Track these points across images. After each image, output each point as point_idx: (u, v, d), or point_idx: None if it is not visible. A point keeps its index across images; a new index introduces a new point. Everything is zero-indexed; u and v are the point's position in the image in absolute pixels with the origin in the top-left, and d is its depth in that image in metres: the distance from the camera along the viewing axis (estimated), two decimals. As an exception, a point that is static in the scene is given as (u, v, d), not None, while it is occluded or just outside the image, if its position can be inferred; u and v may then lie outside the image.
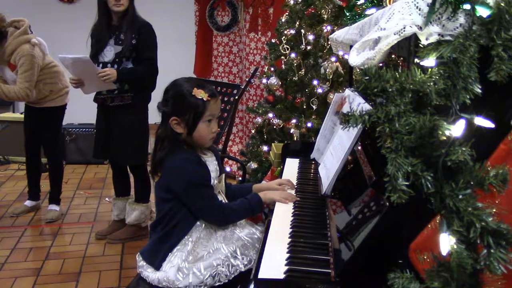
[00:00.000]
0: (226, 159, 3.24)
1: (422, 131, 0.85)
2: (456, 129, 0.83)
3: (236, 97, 2.77)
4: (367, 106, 1.25)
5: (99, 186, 4.37)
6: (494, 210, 0.79)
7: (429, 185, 0.83)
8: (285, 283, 1.11)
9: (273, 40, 3.40)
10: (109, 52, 2.87)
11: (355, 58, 1.12)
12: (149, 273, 1.52)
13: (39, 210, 3.67)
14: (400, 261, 1.01)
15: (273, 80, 3.21)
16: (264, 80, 3.33)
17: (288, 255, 1.21)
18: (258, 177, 3.24)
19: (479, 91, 0.87)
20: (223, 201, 1.63)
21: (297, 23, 3.13)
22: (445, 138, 0.82)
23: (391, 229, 1.06)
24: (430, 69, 0.92)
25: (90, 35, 2.96)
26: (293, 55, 3.12)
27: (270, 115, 3.25)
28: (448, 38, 0.97)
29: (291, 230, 1.37)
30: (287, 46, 3.15)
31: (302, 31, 3.09)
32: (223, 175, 1.69)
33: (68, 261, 2.85)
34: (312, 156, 1.85)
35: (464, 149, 0.81)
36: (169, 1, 6.45)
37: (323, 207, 1.52)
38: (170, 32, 6.04)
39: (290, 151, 2.23)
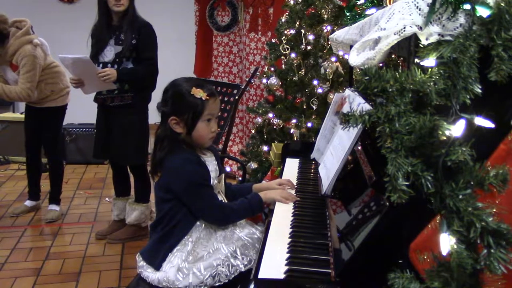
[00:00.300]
0: (226, 159, 3.24)
1: (422, 131, 0.85)
2: (456, 129, 0.83)
3: (236, 97, 2.77)
4: (367, 106, 1.25)
5: (99, 186, 4.37)
6: (494, 210, 0.79)
7: (429, 185, 0.83)
8: (285, 283, 1.11)
9: (273, 40, 3.40)
10: (109, 52, 2.87)
11: (355, 58, 1.12)
12: (149, 273, 1.52)
13: (39, 210, 3.67)
14: (400, 261, 1.00)
15: (273, 80, 3.21)
16: (264, 80, 3.33)
17: (288, 255, 1.21)
18: (258, 177, 3.24)
19: (479, 91, 0.87)
20: (223, 201, 1.63)
21: (297, 23, 3.13)
22: (445, 138, 0.82)
23: (391, 229, 1.06)
24: (430, 69, 0.92)
25: (90, 35, 2.96)
26: (293, 55, 3.12)
27: (270, 115, 3.25)
28: (448, 38, 0.97)
29: (291, 230, 1.37)
30: (287, 46, 3.15)
31: (302, 31, 3.09)
32: (223, 175, 1.69)
33: (68, 261, 2.85)
34: (312, 156, 1.85)
35: (464, 149, 0.81)
36: (169, 1, 6.45)
37: (323, 207, 1.52)
38: (170, 32, 6.03)
39: (290, 151, 2.22)
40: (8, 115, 5.19)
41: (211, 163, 1.60)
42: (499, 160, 0.93)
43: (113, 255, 2.95)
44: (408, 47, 1.06)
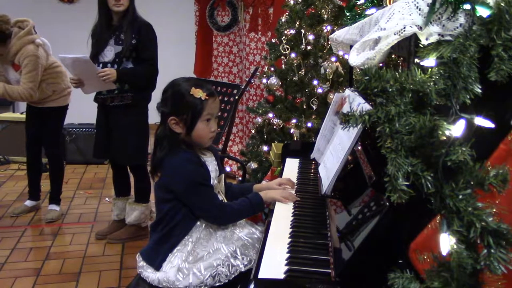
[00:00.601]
0: (226, 159, 3.24)
1: (422, 131, 0.85)
2: (456, 129, 0.83)
3: (236, 97, 2.77)
4: (367, 106, 1.25)
5: (99, 186, 4.37)
6: (494, 210, 0.79)
7: (429, 185, 0.83)
8: (285, 283, 1.11)
9: (273, 40, 3.40)
10: (109, 52, 2.87)
11: (355, 58, 1.12)
12: (149, 274, 1.52)
13: (39, 210, 3.67)
14: (400, 261, 1.00)
15: (273, 80, 3.21)
16: (264, 80, 3.33)
17: (288, 255, 1.21)
18: (258, 177, 3.24)
19: (479, 91, 0.87)
20: (223, 201, 1.63)
21: (297, 23, 3.13)
22: (445, 138, 0.82)
23: (391, 229, 1.06)
24: (430, 69, 0.92)
25: (90, 35, 2.96)
26: (293, 55, 3.12)
27: (270, 115, 3.25)
28: (448, 38, 0.97)
29: (291, 230, 1.37)
30: (287, 46, 3.15)
31: (302, 31, 3.09)
32: (223, 175, 1.69)
33: (68, 261, 2.85)
34: (312, 156, 1.85)
35: (464, 149, 0.81)
36: (169, 1, 6.46)
37: (323, 207, 1.52)
38: (170, 32, 6.04)
39: (290, 151, 2.23)
40: (8, 115, 5.19)
41: (211, 163, 1.60)
42: (499, 160, 0.93)
43: (113, 255, 2.95)
44: (408, 47, 1.06)
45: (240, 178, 3.32)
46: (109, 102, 2.93)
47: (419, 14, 0.98)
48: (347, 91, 1.62)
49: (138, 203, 3.13)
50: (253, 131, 3.59)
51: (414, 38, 1.02)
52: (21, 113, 5.13)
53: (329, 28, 2.92)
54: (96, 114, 3.08)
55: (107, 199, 3.97)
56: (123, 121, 2.93)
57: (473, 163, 0.82)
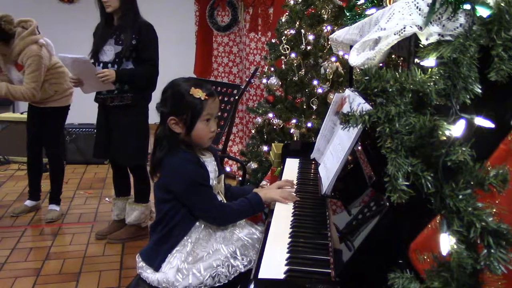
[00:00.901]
0: (226, 159, 3.24)
1: (422, 131, 0.85)
2: (456, 129, 0.83)
3: (236, 97, 2.77)
4: (367, 106, 1.25)
5: (99, 186, 4.37)
6: (494, 210, 0.79)
7: (429, 185, 0.83)
8: (285, 283, 1.11)
9: (273, 40, 3.40)
10: (110, 52, 2.87)
11: (355, 58, 1.12)
12: (149, 274, 1.51)
13: (39, 210, 3.67)
14: (400, 261, 1.00)
15: (273, 80, 3.21)
16: (264, 80, 3.33)
17: (288, 255, 1.21)
18: (258, 177, 3.24)
19: (479, 91, 0.87)
20: (223, 201, 1.63)
21: (297, 23, 3.13)
22: (445, 138, 0.82)
23: (391, 229, 1.06)
24: (430, 69, 0.92)
25: (93, 34, 2.97)
26: (293, 55, 3.12)
27: (270, 115, 3.25)
28: (448, 38, 0.97)
29: (291, 230, 1.37)
30: (287, 46, 3.15)
31: (302, 31, 3.09)
32: (222, 176, 1.68)
33: (68, 261, 2.85)
34: (312, 156, 1.84)
35: (464, 149, 0.81)
36: (169, 1, 6.46)
37: (323, 207, 1.52)
38: (170, 32, 6.03)
39: (290, 151, 2.23)
40: (8, 115, 5.19)
41: (210, 164, 1.60)
42: (499, 160, 0.92)
43: (113, 255, 2.95)
44: (408, 47, 1.06)
45: (240, 178, 3.32)
46: (109, 102, 2.93)
47: (419, 14, 0.98)
48: (347, 91, 1.62)
49: (138, 203, 3.13)
50: (253, 131, 3.59)
51: (414, 38, 1.02)
52: (21, 113, 5.13)
53: (329, 28, 2.92)
54: (97, 114, 3.08)
55: (107, 199, 3.97)
56: (123, 121, 2.93)
57: (473, 163, 0.82)
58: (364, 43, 1.10)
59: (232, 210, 1.57)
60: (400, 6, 1.00)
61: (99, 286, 2.57)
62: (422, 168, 0.84)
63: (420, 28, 0.98)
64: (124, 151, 2.97)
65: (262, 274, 1.13)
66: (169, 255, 1.51)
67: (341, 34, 1.56)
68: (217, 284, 1.47)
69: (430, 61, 0.95)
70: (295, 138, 3.02)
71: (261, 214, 1.96)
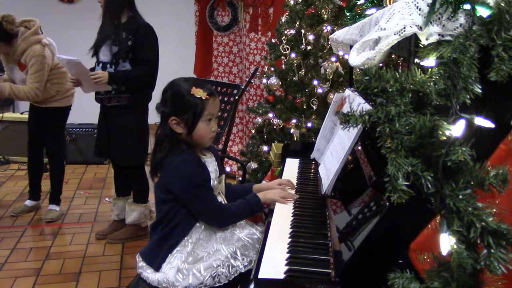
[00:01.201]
0: (226, 159, 3.23)
1: (422, 131, 0.85)
2: (456, 129, 0.83)
3: (236, 97, 2.77)
4: (367, 106, 1.25)
5: (99, 186, 4.37)
6: (494, 210, 0.79)
7: (429, 185, 0.83)
8: (285, 283, 1.11)
9: (273, 40, 3.40)
10: (108, 52, 2.86)
11: (355, 58, 1.12)
12: (149, 274, 1.51)
13: (39, 210, 3.67)
14: (400, 261, 1.00)
15: (273, 80, 3.21)
16: (264, 80, 3.33)
17: (288, 255, 1.21)
18: (258, 177, 3.24)
19: (479, 91, 0.87)
20: (223, 202, 1.63)
21: (297, 23, 3.13)
22: (445, 138, 0.82)
23: (391, 229, 1.06)
24: (430, 69, 0.92)
25: (97, 33, 2.97)
26: (293, 55, 3.12)
27: (270, 115, 3.25)
28: (448, 38, 0.97)
29: (291, 230, 1.37)
30: (287, 46, 3.15)
31: (302, 31, 3.09)
32: (223, 176, 1.68)
33: (68, 261, 2.85)
34: (312, 156, 1.85)
35: (464, 149, 0.81)
36: (169, 1, 6.45)
37: (323, 207, 1.52)
38: (170, 32, 6.03)
39: (290, 151, 2.22)
40: (8, 115, 5.18)
41: (211, 164, 1.60)
42: (499, 160, 0.93)
43: (113, 255, 2.95)
44: (408, 47, 1.06)
45: (240, 178, 3.32)
46: (107, 102, 2.94)
47: (419, 14, 0.98)
48: (347, 91, 1.62)
49: (137, 204, 3.13)
50: (253, 131, 3.59)
51: (414, 38, 1.02)
52: (21, 113, 5.13)
53: (329, 28, 2.91)
54: (99, 113, 3.09)
55: (107, 199, 3.97)
56: (120, 122, 2.93)
57: (473, 163, 0.82)
58: (364, 43, 1.10)
59: (231, 211, 1.57)
60: (400, 6, 1.00)
61: (99, 286, 2.57)
62: (422, 168, 0.84)
63: (420, 28, 0.98)
64: (122, 151, 2.96)
65: (262, 274, 1.13)
66: (169, 255, 1.51)
67: (341, 34, 1.56)
68: (217, 284, 1.47)
69: (430, 61, 0.95)
70: (295, 138, 3.02)
71: (261, 214, 1.96)
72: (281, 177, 1.88)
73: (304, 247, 1.26)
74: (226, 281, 1.48)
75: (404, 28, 0.98)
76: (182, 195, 1.52)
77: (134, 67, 2.85)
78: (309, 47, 3.08)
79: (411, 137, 0.86)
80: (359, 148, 1.42)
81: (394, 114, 0.88)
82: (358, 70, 2.20)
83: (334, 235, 1.29)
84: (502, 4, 0.89)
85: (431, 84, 0.89)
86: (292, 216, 1.48)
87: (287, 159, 2.13)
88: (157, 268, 1.51)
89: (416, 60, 1.03)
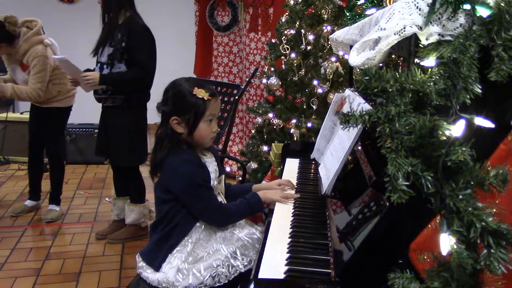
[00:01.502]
0: (226, 159, 3.24)
1: (422, 131, 0.85)
2: (456, 129, 0.83)
3: (236, 97, 2.77)
4: (367, 106, 1.25)
5: (99, 186, 4.37)
6: (494, 210, 0.79)
7: (429, 185, 0.83)
8: (285, 283, 1.11)
9: (273, 40, 3.40)
10: (105, 53, 2.86)
11: (355, 58, 1.12)
12: (149, 274, 1.51)
13: (39, 210, 3.67)
14: (400, 261, 1.00)
15: (273, 80, 3.21)
16: (264, 80, 3.33)
17: (288, 255, 1.21)
18: (258, 177, 3.24)
19: (479, 91, 0.87)
20: (223, 202, 1.63)
21: (297, 23, 3.13)
22: (445, 138, 0.82)
23: (391, 229, 1.06)
24: (430, 69, 0.92)
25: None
26: (293, 55, 3.12)
27: (270, 115, 3.25)
28: (448, 38, 0.97)
29: (291, 230, 1.37)
30: (287, 46, 3.15)
31: (302, 31, 3.09)
32: (223, 176, 1.68)
33: (68, 261, 2.85)
34: (312, 156, 1.85)
35: (464, 149, 0.81)
36: (169, 1, 6.46)
37: (323, 207, 1.52)
38: (170, 32, 6.04)
39: (290, 151, 2.22)
40: (8, 115, 5.18)
41: (211, 164, 1.60)
42: (499, 160, 0.93)
43: (113, 255, 2.95)
44: (408, 47, 1.06)
45: (240, 178, 3.32)
46: (103, 102, 2.94)
47: (419, 14, 0.98)
48: (347, 91, 1.62)
49: (135, 204, 3.12)
50: (253, 131, 3.59)
51: (414, 38, 1.02)
52: (21, 113, 5.13)
53: (329, 28, 2.91)
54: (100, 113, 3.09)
55: (107, 199, 3.97)
56: (115, 122, 2.93)
57: (473, 163, 0.82)
58: (364, 43, 1.10)
59: (231, 211, 1.57)
60: (400, 6, 1.00)
61: (99, 286, 2.57)
62: (422, 168, 0.84)
63: (420, 28, 0.98)
64: (118, 152, 2.96)
65: (262, 274, 1.13)
66: (169, 255, 1.51)
67: (341, 34, 1.56)
68: (217, 284, 1.47)
69: (430, 61, 0.95)
70: (295, 138, 3.02)
71: (261, 214, 1.96)
72: (281, 177, 1.88)
73: (304, 247, 1.26)
74: (226, 281, 1.48)
75: (404, 28, 0.98)
76: (182, 195, 1.52)
77: (128, 69, 2.82)
78: (309, 47, 3.08)
79: (411, 137, 0.86)
80: (359, 148, 1.42)
81: (394, 114, 0.88)
82: (358, 70, 2.20)
83: (334, 235, 1.29)
84: (502, 4, 0.89)
85: (431, 84, 0.89)
86: (292, 216, 1.48)
87: (287, 159, 2.13)
88: (157, 268, 1.51)
89: (416, 60, 1.03)
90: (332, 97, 2.66)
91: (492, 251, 0.76)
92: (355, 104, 1.42)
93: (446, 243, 0.81)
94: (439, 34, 0.98)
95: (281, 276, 1.12)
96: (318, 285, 1.06)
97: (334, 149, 1.48)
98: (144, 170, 3.37)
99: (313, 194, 1.67)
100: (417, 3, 0.98)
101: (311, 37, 3.03)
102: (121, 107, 2.89)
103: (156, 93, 2.82)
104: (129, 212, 3.12)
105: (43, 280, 2.62)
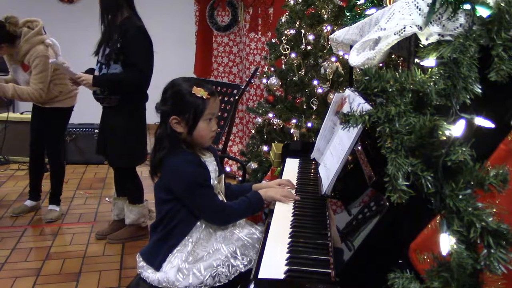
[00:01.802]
0: (226, 159, 3.24)
1: (422, 131, 0.85)
2: (456, 129, 0.83)
3: (236, 97, 2.77)
4: (367, 106, 1.25)
5: (99, 186, 4.37)
6: (494, 210, 0.79)
7: (429, 185, 0.83)
8: (285, 283, 1.11)
9: (273, 40, 3.40)
10: (104, 53, 2.86)
11: (355, 58, 1.12)
12: (149, 274, 1.52)
13: (39, 210, 3.67)
14: (400, 261, 1.00)
15: (273, 80, 3.21)
16: (264, 80, 3.33)
17: (288, 255, 1.21)
18: (258, 177, 3.24)
19: (479, 91, 0.87)
20: (223, 201, 1.63)
21: (297, 23, 3.13)
22: (445, 138, 0.82)
23: (391, 229, 1.06)
24: (430, 69, 0.92)
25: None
26: (293, 55, 3.12)
27: (270, 115, 3.25)
28: (448, 38, 0.97)
29: (291, 230, 1.37)
30: (287, 46, 3.15)
31: (302, 31, 3.09)
32: (223, 176, 1.69)
33: (68, 261, 2.85)
34: (312, 156, 1.85)
35: (464, 149, 0.81)
36: (169, 1, 6.46)
37: (323, 207, 1.52)
38: (170, 32, 6.04)
39: (290, 151, 2.22)
40: (8, 115, 5.18)
41: (210, 164, 1.60)
42: (499, 160, 0.92)
43: (113, 255, 2.95)
44: (408, 47, 1.06)
45: (240, 178, 3.32)
46: (101, 102, 2.94)
47: (419, 14, 0.98)
48: (347, 91, 1.62)
49: (134, 204, 3.12)
50: (253, 131, 3.59)
51: (414, 38, 1.02)
52: (21, 113, 5.13)
53: (329, 28, 2.91)
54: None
55: (107, 199, 3.97)
56: (112, 122, 2.93)
57: (473, 163, 0.82)
58: (364, 43, 1.10)
59: (232, 209, 1.57)
60: (400, 6, 1.00)
61: (99, 286, 2.57)
62: (422, 168, 0.84)
63: (420, 28, 0.98)
64: (114, 152, 2.96)
65: (262, 274, 1.13)
66: (169, 254, 1.51)
67: (341, 34, 1.56)
68: (217, 284, 1.47)
69: (430, 61, 0.95)
70: (295, 138, 3.02)
71: (261, 214, 1.96)
72: (281, 177, 1.88)
73: (304, 247, 1.26)
74: (226, 281, 1.48)
75: (404, 28, 0.98)
76: (183, 194, 1.52)
77: (122, 71, 2.81)
78: (309, 47, 3.08)
79: (411, 137, 0.86)
80: (359, 148, 1.42)
81: (394, 114, 0.88)
82: (358, 70, 2.20)
83: (334, 235, 1.29)
84: (502, 4, 0.89)
85: (431, 84, 0.89)
86: (292, 216, 1.48)
87: (287, 159, 2.13)
88: (157, 267, 1.51)
89: (416, 60, 1.03)
90: (332, 97, 2.66)
91: (492, 251, 0.75)
92: (355, 104, 1.42)
93: (446, 243, 0.81)
94: (439, 34, 0.98)
95: (281, 276, 1.12)
96: (318, 285, 1.06)
97: (334, 149, 1.48)
98: (144, 170, 3.39)
99: (313, 194, 1.67)
100: (417, 3, 0.98)
101: (311, 37, 3.04)
102: (116, 107, 2.89)
103: (156, 93, 2.83)
104: (128, 213, 3.11)
105: (43, 280, 2.62)
